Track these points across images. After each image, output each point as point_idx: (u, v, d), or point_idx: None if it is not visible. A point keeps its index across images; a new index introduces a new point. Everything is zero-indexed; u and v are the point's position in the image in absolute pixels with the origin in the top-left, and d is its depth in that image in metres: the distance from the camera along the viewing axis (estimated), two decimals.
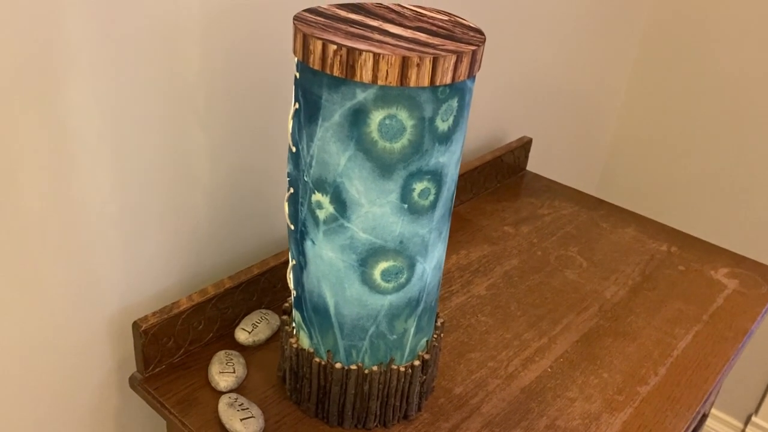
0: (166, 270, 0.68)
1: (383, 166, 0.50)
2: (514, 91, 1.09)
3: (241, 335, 0.68)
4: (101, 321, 0.64)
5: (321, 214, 0.53)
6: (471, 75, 0.49)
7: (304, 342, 0.60)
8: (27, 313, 0.59)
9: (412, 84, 0.46)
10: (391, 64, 0.45)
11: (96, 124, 0.56)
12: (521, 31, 1.03)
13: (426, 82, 0.46)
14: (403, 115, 0.48)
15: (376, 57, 0.45)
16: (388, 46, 0.47)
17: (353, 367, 0.58)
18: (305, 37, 0.47)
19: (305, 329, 0.60)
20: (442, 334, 0.64)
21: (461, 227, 0.93)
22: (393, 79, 0.46)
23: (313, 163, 0.52)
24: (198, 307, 0.66)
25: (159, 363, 0.65)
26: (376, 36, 0.48)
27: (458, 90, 0.49)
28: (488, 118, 1.05)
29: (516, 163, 1.07)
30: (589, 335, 0.76)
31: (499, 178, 1.05)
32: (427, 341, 0.61)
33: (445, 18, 0.54)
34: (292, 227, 0.57)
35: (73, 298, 0.61)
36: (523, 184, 1.06)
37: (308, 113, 0.50)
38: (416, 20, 0.53)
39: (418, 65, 0.46)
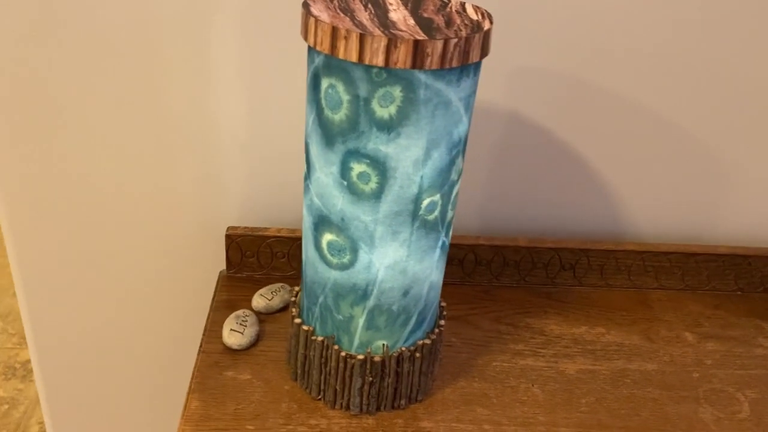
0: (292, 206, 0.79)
1: (328, 136, 0.51)
2: None
3: None
4: (222, 226, 0.80)
5: (304, 169, 0.57)
6: (418, 66, 0.46)
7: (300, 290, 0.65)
8: (159, 201, 0.78)
9: (340, 56, 0.47)
10: (323, 31, 0.47)
11: (234, 58, 0.71)
12: None
13: (354, 58, 0.46)
14: (341, 88, 0.49)
15: (316, 23, 0.48)
16: (345, 19, 0.48)
17: (305, 327, 0.60)
18: None
19: None
20: (418, 353, 0.60)
21: (629, 308, 0.78)
22: (326, 47, 0.47)
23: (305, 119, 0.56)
24: (283, 241, 0.76)
25: (240, 270, 0.77)
26: (362, 14, 0.50)
27: (401, 79, 0.47)
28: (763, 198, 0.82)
29: None
30: None
31: (739, 283, 0.82)
32: (384, 345, 0.59)
33: (475, 18, 0.51)
34: None
35: (200, 199, 0.78)
36: None
37: None
38: (445, 14, 0.51)
39: (345, 38, 0.46)
